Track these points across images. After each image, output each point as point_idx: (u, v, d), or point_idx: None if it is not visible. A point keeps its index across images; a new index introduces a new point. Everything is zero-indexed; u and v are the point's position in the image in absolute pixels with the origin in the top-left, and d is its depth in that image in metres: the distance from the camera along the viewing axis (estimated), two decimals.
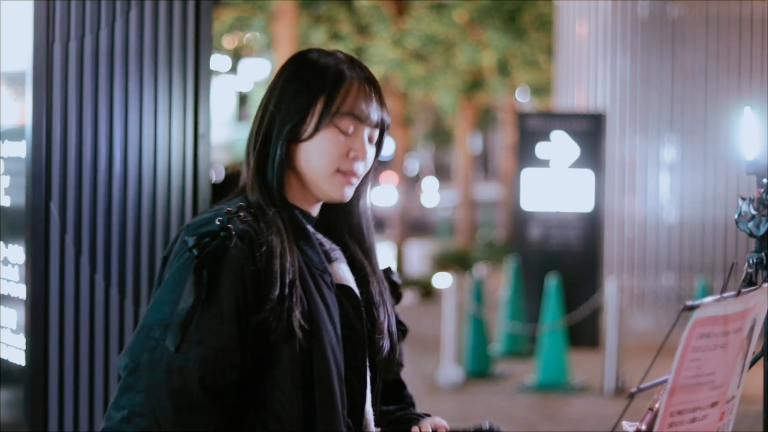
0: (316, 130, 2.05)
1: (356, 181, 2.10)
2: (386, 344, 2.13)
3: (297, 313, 1.94)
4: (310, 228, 2.09)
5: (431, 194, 26.14)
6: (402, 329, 2.24)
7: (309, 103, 2.06)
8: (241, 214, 1.99)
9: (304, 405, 1.95)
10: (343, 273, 2.09)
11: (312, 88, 2.06)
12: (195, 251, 1.92)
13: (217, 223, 1.95)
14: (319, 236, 2.10)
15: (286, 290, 1.94)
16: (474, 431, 2.11)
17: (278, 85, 2.09)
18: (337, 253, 2.11)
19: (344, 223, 2.17)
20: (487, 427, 2.12)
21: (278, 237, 1.98)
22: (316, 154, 2.06)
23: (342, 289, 2.05)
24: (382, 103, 2.12)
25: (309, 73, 2.08)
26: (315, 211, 2.13)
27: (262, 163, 2.06)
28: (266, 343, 1.94)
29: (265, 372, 1.95)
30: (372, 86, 2.11)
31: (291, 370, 1.94)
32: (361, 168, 2.09)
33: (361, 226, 2.17)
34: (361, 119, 2.07)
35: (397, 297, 2.26)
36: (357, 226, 2.17)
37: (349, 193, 2.09)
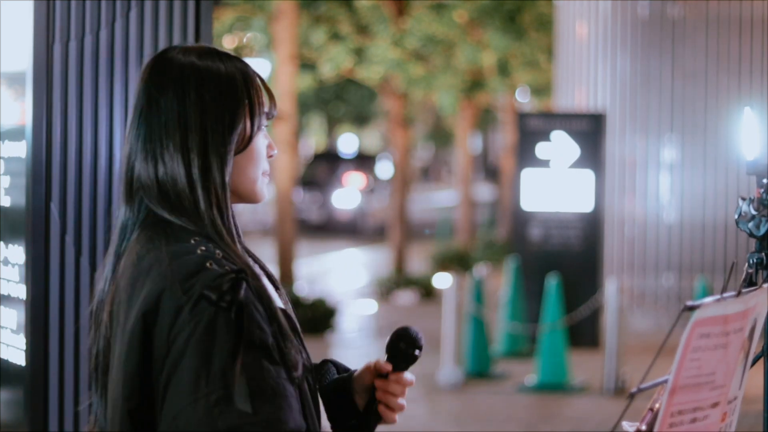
0: (251, 138, 1.94)
1: (267, 179, 2.03)
2: None
3: (306, 354, 1.90)
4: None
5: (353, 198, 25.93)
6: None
7: (237, 111, 1.92)
8: (218, 252, 1.83)
9: None
10: (270, 287, 2.00)
11: (233, 95, 1.92)
12: (223, 303, 1.74)
13: (212, 267, 1.78)
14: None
15: (291, 334, 1.86)
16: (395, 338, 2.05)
17: (187, 97, 1.90)
18: (257, 268, 1.98)
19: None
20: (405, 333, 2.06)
21: (254, 272, 1.87)
22: (250, 162, 1.95)
23: (282, 311, 1.96)
24: (268, 89, 2.01)
25: (219, 80, 1.92)
26: None
27: (213, 191, 1.88)
28: None
29: None
30: (259, 76, 2.00)
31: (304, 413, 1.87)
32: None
33: (238, 226, 2.05)
34: (270, 116, 2.00)
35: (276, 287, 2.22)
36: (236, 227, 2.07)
37: (265, 194, 2.02)
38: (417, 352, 2.04)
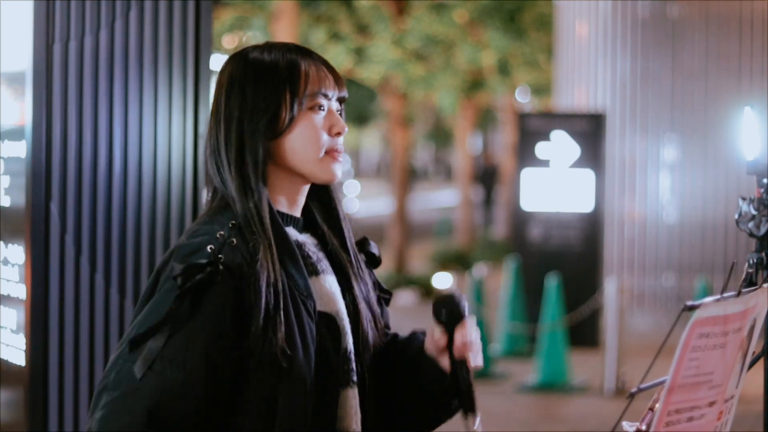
0: (293, 118, 2.04)
1: (342, 158, 2.10)
2: (370, 336, 2.12)
3: (276, 344, 1.92)
4: (299, 236, 2.07)
5: (351, 200, 25.81)
6: (386, 297, 2.22)
7: (276, 96, 2.04)
8: (234, 240, 1.96)
9: None
10: (329, 286, 2.06)
11: (273, 82, 2.04)
12: (179, 281, 1.91)
13: (208, 250, 1.93)
14: (306, 247, 2.08)
15: (269, 323, 1.92)
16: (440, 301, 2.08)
17: (233, 92, 2.05)
18: (323, 264, 2.08)
19: (321, 213, 2.16)
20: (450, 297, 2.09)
21: (266, 264, 1.95)
22: (302, 142, 2.05)
23: (323, 318, 2.02)
24: (337, 76, 2.12)
25: (261, 71, 2.05)
26: (299, 209, 2.11)
27: (244, 171, 2.02)
28: (240, 370, 1.93)
29: (231, 400, 1.94)
30: (323, 63, 2.10)
31: (258, 402, 1.93)
32: (342, 143, 2.11)
33: (337, 212, 2.17)
34: (327, 96, 2.08)
35: (375, 263, 2.23)
36: (333, 213, 2.17)
37: (339, 172, 2.09)
38: (461, 308, 2.08)
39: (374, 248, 2.24)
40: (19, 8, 3.60)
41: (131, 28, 3.71)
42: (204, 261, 1.92)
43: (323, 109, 2.07)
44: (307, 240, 2.10)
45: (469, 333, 2.09)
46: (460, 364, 2.07)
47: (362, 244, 2.22)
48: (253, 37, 17.77)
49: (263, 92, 2.04)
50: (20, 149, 3.62)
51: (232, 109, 2.04)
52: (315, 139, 2.06)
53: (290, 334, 1.94)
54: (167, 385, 1.88)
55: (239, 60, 2.08)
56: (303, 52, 2.09)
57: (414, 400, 2.16)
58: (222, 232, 1.97)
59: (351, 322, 2.08)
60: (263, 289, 1.93)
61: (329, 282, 2.07)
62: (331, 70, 2.10)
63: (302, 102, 2.05)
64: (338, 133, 2.09)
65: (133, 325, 1.94)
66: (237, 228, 1.98)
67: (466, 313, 2.09)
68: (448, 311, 2.07)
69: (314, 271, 2.06)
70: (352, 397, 2.06)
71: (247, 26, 17.93)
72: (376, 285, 2.21)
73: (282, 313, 1.94)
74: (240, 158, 2.02)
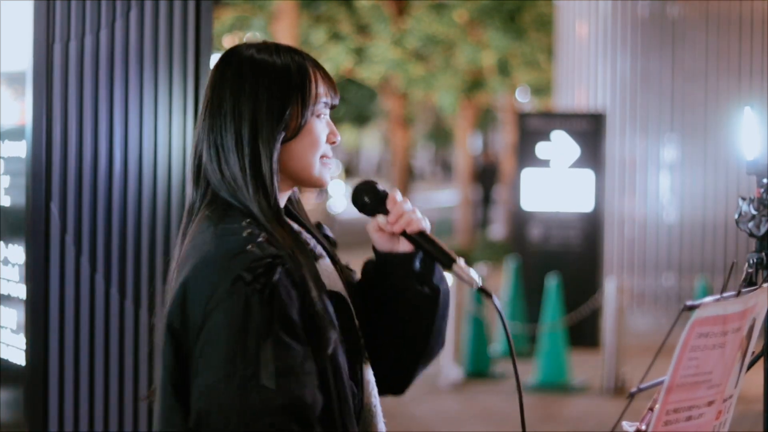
0: (302, 125, 2.06)
1: (332, 164, 2.14)
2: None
3: (333, 331, 1.96)
4: (294, 226, 2.11)
5: (338, 199, 25.80)
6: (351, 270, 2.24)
7: (288, 101, 2.05)
8: (262, 238, 1.95)
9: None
10: (330, 271, 2.11)
11: (285, 87, 2.06)
12: (257, 285, 1.86)
13: (252, 250, 1.91)
14: (303, 235, 2.11)
15: (326, 318, 1.95)
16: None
17: (243, 92, 2.05)
18: (319, 248, 2.12)
19: (299, 207, 2.20)
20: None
21: (301, 259, 1.97)
22: (305, 148, 2.07)
23: (334, 297, 2.05)
24: (334, 84, 2.14)
25: (274, 74, 2.06)
26: (283, 203, 2.14)
27: (260, 174, 2.02)
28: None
29: None
30: (321, 70, 2.13)
31: (327, 388, 1.95)
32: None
33: (301, 208, 2.21)
34: (328, 104, 2.12)
35: (333, 245, 2.26)
36: (303, 208, 2.22)
37: (329, 178, 2.13)
38: (378, 187, 2.12)
39: (328, 231, 2.27)
40: (19, 8, 3.60)
41: (131, 28, 3.71)
42: (261, 259, 1.89)
43: (323, 116, 2.11)
44: (299, 229, 2.13)
45: (398, 204, 2.11)
46: (411, 235, 2.09)
47: (318, 228, 2.25)
48: (253, 37, 17.77)
49: (277, 96, 2.05)
50: (20, 149, 3.62)
51: (243, 109, 2.04)
52: (317, 145, 2.09)
53: (340, 308, 2.00)
54: (309, 380, 1.87)
55: (245, 58, 2.08)
56: (307, 57, 2.13)
57: (396, 308, 2.14)
58: (250, 231, 1.96)
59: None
60: (311, 281, 1.95)
61: (328, 264, 2.11)
62: (329, 77, 2.14)
63: (311, 109, 2.08)
64: (333, 142, 2.13)
65: (228, 352, 1.85)
66: (258, 226, 1.98)
67: (384, 189, 2.13)
68: (369, 194, 2.11)
69: (314, 257, 2.09)
70: (368, 371, 2.11)
71: (247, 26, 17.94)
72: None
73: (320, 303, 1.96)
74: (256, 159, 2.02)
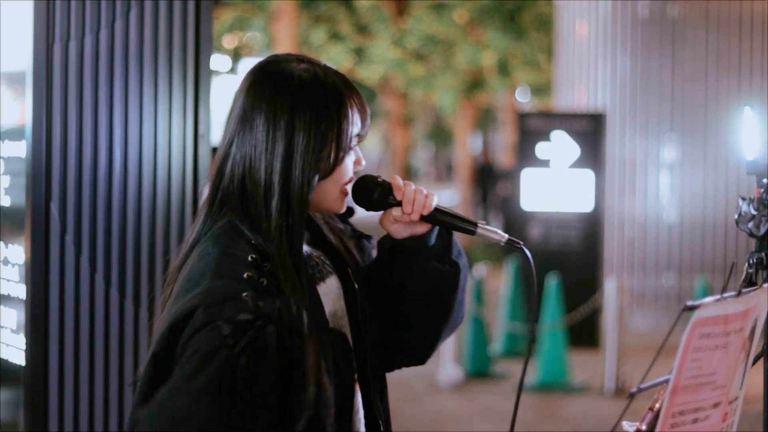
0: (336, 166, 1.99)
1: (349, 189, 2.08)
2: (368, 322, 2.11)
3: (326, 394, 1.91)
4: (305, 248, 2.05)
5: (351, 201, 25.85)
6: (364, 244, 2.20)
7: (325, 139, 1.96)
8: (264, 280, 1.88)
9: None
10: (332, 290, 2.05)
11: (323, 123, 1.96)
12: (230, 341, 1.80)
13: (245, 300, 1.83)
14: (313, 254, 2.07)
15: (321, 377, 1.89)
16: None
17: (278, 122, 1.95)
18: (326, 266, 2.07)
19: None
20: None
21: (302, 305, 1.90)
22: (332, 185, 2.02)
23: (337, 337, 2.01)
24: (364, 106, 2.06)
25: (312, 107, 1.96)
26: None
27: (288, 219, 1.94)
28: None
29: None
30: (355, 94, 2.04)
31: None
32: None
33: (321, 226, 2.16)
34: (360, 136, 2.05)
35: (350, 213, 2.20)
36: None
37: (345, 204, 2.08)
38: (380, 179, 2.09)
39: (356, 231, 2.23)
40: (19, 8, 3.60)
41: (131, 28, 3.71)
42: (250, 317, 1.82)
43: (356, 150, 2.05)
44: (309, 250, 2.08)
45: (406, 190, 2.07)
46: (427, 216, 2.07)
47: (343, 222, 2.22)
48: (253, 37, 17.78)
49: (313, 135, 1.96)
50: (20, 149, 3.62)
51: (277, 143, 1.94)
52: (344, 180, 2.03)
53: (320, 373, 1.92)
54: None
55: (282, 83, 1.97)
56: (345, 83, 2.03)
57: (417, 287, 2.10)
58: (249, 273, 1.88)
59: (349, 315, 2.09)
60: (304, 339, 1.88)
61: (332, 283, 2.08)
62: (363, 101, 2.05)
63: (348, 144, 2.00)
64: (358, 168, 2.07)
65: (181, 392, 1.80)
66: (259, 261, 1.91)
67: (383, 179, 2.10)
68: (374, 190, 2.08)
69: (320, 278, 2.05)
70: (356, 393, 2.07)
71: (247, 26, 17.94)
72: (356, 236, 2.20)
73: (313, 357, 1.90)
74: (285, 207, 1.94)
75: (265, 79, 1.99)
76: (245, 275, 1.88)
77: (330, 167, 1.98)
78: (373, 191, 2.08)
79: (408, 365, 2.20)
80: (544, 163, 10.85)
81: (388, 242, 2.13)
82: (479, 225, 2.09)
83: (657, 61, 11.93)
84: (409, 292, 2.10)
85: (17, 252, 3.65)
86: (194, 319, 1.84)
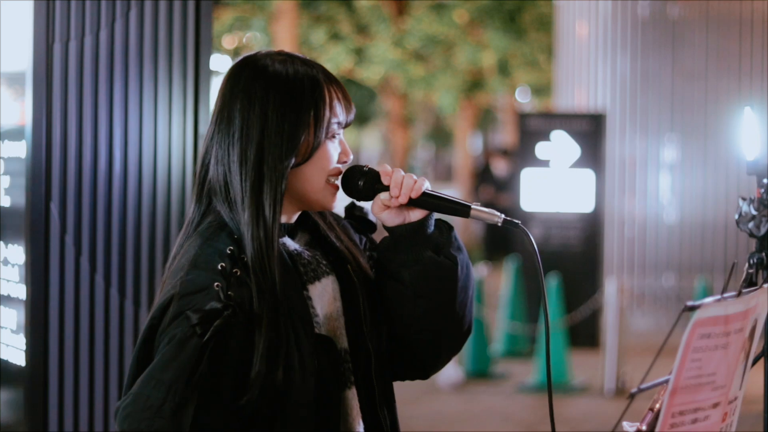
0: (315, 149, 2.00)
1: (338, 185, 2.07)
2: (378, 336, 2.10)
3: (277, 380, 1.92)
4: (296, 246, 2.06)
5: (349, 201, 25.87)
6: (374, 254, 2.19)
7: (299, 123, 1.98)
8: (237, 270, 1.92)
9: None
10: (327, 292, 2.05)
11: (297, 107, 1.98)
12: (198, 330, 1.86)
13: (215, 288, 1.88)
14: (303, 255, 2.06)
15: (272, 361, 1.91)
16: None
17: (252, 111, 1.97)
18: (321, 266, 2.06)
19: (321, 215, 2.15)
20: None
21: (270, 302, 1.93)
22: (314, 171, 2.02)
23: (321, 341, 2.00)
24: (349, 100, 2.07)
25: (285, 92, 1.99)
26: (294, 219, 2.09)
27: (260, 199, 1.96)
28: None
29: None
30: (337, 86, 2.06)
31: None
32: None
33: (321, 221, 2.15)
34: (342, 124, 2.05)
35: (371, 227, 2.22)
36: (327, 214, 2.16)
37: (336, 200, 2.08)
38: (365, 167, 2.09)
39: (367, 213, 2.22)
40: (19, 8, 3.60)
41: (131, 28, 3.71)
42: (218, 306, 1.87)
43: (336, 137, 2.05)
44: (301, 248, 2.07)
45: (394, 174, 2.06)
46: (417, 200, 2.05)
47: (351, 210, 2.22)
48: (253, 37, 17.78)
49: (288, 117, 1.97)
50: (20, 149, 3.62)
51: (251, 129, 1.97)
52: (327, 168, 2.03)
53: (290, 365, 1.93)
54: None
55: (257, 72, 2.00)
56: (323, 71, 2.05)
57: (416, 283, 2.08)
58: (223, 264, 1.91)
59: (349, 319, 2.07)
60: (264, 330, 1.91)
61: (327, 284, 2.06)
62: (345, 93, 2.07)
63: (324, 131, 2.01)
64: (344, 162, 2.07)
65: (151, 377, 1.86)
66: (236, 253, 1.94)
67: (370, 167, 2.09)
68: (361, 177, 2.06)
69: (314, 277, 2.05)
70: (352, 398, 2.05)
71: (247, 26, 17.95)
72: (367, 247, 2.19)
73: (283, 350, 1.92)
74: (258, 185, 1.96)
75: (241, 71, 2.03)
76: (219, 266, 1.91)
77: (308, 150, 1.99)
78: (360, 178, 2.06)
79: (413, 376, 2.18)
80: (544, 163, 10.85)
81: (385, 243, 2.13)
82: (473, 206, 2.07)
83: (657, 61, 11.93)
84: (405, 285, 2.08)
85: (17, 252, 3.65)
86: (169, 310, 1.90)
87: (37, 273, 3.55)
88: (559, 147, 10.84)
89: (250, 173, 1.96)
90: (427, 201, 2.06)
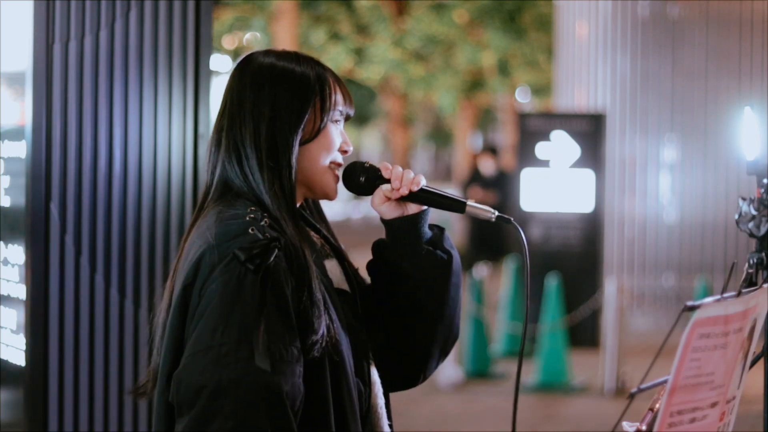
0: (320, 129, 2.10)
1: (340, 173, 2.17)
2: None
3: (333, 327, 1.97)
4: (310, 232, 2.14)
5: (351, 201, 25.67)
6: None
7: (307, 103, 2.09)
8: (264, 223, 1.96)
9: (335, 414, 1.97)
10: (337, 271, 2.14)
11: (305, 90, 2.10)
12: (251, 265, 1.87)
13: (254, 233, 1.92)
14: (313, 235, 2.14)
15: (322, 306, 1.96)
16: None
17: (263, 92, 2.08)
18: (327, 249, 2.15)
19: (314, 207, 2.24)
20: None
21: (306, 250, 1.98)
22: (319, 151, 2.10)
23: (340, 293, 2.08)
24: (347, 92, 2.18)
25: (294, 77, 2.10)
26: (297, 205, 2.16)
27: (277, 169, 2.05)
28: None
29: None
30: (339, 81, 2.17)
31: (323, 382, 1.96)
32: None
33: (320, 211, 2.25)
34: (344, 114, 2.16)
35: None
36: (317, 212, 2.24)
37: (337, 190, 2.15)
38: (366, 163, 2.17)
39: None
40: (19, 8, 3.60)
41: (131, 28, 3.71)
42: (265, 241, 1.91)
43: (339, 124, 2.15)
44: (309, 230, 2.15)
45: (394, 169, 2.15)
46: (415, 194, 2.13)
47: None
48: (253, 37, 17.78)
49: (296, 97, 2.08)
50: (20, 149, 3.62)
51: (262, 107, 2.07)
52: (331, 150, 2.12)
53: (331, 318, 1.99)
54: (289, 367, 1.87)
55: (265, 63, 2.12)
56: (326, 68, 2.16)
57: (410, 279, 2.15)
58: (252, 215, 1.97)
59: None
60: (312, 274, 1.96)
61: (334, 266, 2.14)
62: (346, 88, 2.18)
63: (330, 113, 2.11)
64: (345, 151, 2.16)
65: (214, 324, 1.85)
66: (263, 216, 1.99)
67: (371, 163, 2.17)
68: (363, 173, 2.15)
69: (324, 256, 2.12)
70: (374, 372, 2.12)
71: (247, 26, 17.95)
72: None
73: (322, 298, 1.98)
74: (273, 154, 2.05)
75: (247, 64, 2.14)
76: (248, 218, 1.96)
77: (314, 130, 2.09)
78: (362, 174, 2.15)
79: (403, 384, 2.21)
80: (544, 163, 10.85)
81: (381, 241, 2.20)
82: (468, 203, 2.14)
83: (657, 61, 11.93)
84: (403, 276, 2.14)
85: (17, 252, 3.65)
86: (204, 262, 1.91)
87: (37, 273, 3.55)
88: (559, 147, 10.84)
89: (264, 144, 2.05)
90: (425, 196, 2.14)
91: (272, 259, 1.89)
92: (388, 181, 2.14)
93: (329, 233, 2.20)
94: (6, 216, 3.71)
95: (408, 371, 2.21)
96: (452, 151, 36.35)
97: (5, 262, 3.72)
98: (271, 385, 1.83)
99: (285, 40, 15.98)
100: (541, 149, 10.86)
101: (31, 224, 3.55)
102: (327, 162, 2.12)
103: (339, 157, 2.14)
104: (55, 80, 3.58)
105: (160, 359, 1.99)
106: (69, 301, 3.60)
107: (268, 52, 2.15)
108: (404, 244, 2.15)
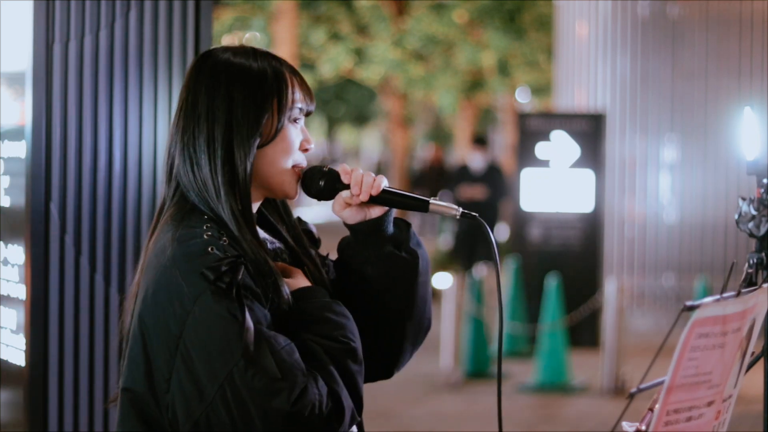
0: (278, 130, 2.05)
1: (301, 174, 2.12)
2: None
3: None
4: (264, 235, 2.10)
5: None
6: (327, 262, 2.22)
7: (264, 104, 2.03)
8: (225, 239, 1.94)
9: None
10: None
11: (261, 89, 2.04)
12: (221, 283, 1.87)
13: (214, 252, 1.90)
14: (267, 237, 2.11)
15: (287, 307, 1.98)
16: None
17: (217, 93, 2.03)
18: (285, 257, 2.12)
19: (273, 208, 2.19)
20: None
21: (269, 260, 1.98)
22: (277, 154, 2.06)
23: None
24: (307, 87, 2.13)
25: (250, 76, 2.05)
26: (255, 209, 2.13)
27: (233, 176, 2.00)
28: None
29: None
30: (298, 76, 2.12)
31: None
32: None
33: (285, 207, 2.20)
34: (303, 111, 2.10)
35: (316, 243, 2.24)
36: (282, 208, 2.20)
37: (297, 190, 2.11)
38: (325, 167, 2.12)
39: (310, 226, 2.26)
40: (19, 8, 3.61)
41: (131, 28, 3.71)
42: (229, 257, 1.90)
43: (299, 122, 2.10)
44: (266, 236, 2.12)
45: (354, 173, 2.10)
46: (377, 197, 2.09)
47: (299, 223, 2.25)
48: (253, 37, 17.77)
49: (252, 98, 2.03)
50: (20, 149, 3.62)
51: (217, 110, 2.02)
52: (290, 151, 2.07)
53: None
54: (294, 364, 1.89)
55: (220, 61, 2.06)
56: (284, 62, 2.11)
57: (375, 278, 2.13)
58: (209, 233, 1.95)
59: None
60: (277, 272, 1.98)
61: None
62: (306, 84, 2.12)
63: (288, 113, 2.06)
64: (307, 149, 2.11)
65: (205, 352, 1.86)
66: (218, 231, 1.97)
67: (330, 167, 2.13)
68: (321, 177, 2.10)
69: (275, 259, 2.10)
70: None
71: (247, 26, 17.95)
72: (321, 260, 2.22)
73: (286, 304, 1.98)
74: (229, 160, 2.00)
75: (204, 62, 2.08)
76: (205, 236, 1.94)
77: (272, 132, 2.04)
78: (320, 179, 2.10)
79: (376, 376, 2.19)
80: (544, 164, 10.85)
81: (345, 241, 2.17)
82: (431, 201, 2.11)
83: (657, 61, 11.93)
84: (368, 280, 2.12)
85: (17, 252, 3.65)
86: (170, 278, 1.91)
87: (37, 273, 3.55)
88: (559, 147, 10.84)
89: (219, 152, 2.00)
90: (386, 198, 2.10)
91: (240, 276, 1.88)
92: (347, 186, 2.09)
93: (291, 233, 2.16)
94: (6, 216, 3.71)
95: (379, 365, 2.19)
96: (452, 151, 36.36)
97: (5, 262, 3.72)
98: (297, 363, 1.88)
99: (285, 40, 15.98)
100: (541, 149, 10.86)
101: (31, 224, 3.55)
102: (287, 164, 2.07)
103: (301, 159, 2.09)
104: (55, 80, 3.58)
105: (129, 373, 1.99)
106: (69, 301, 3.60)
107: (225, 49, 2.09)
108: (368, 248, 2.12)
